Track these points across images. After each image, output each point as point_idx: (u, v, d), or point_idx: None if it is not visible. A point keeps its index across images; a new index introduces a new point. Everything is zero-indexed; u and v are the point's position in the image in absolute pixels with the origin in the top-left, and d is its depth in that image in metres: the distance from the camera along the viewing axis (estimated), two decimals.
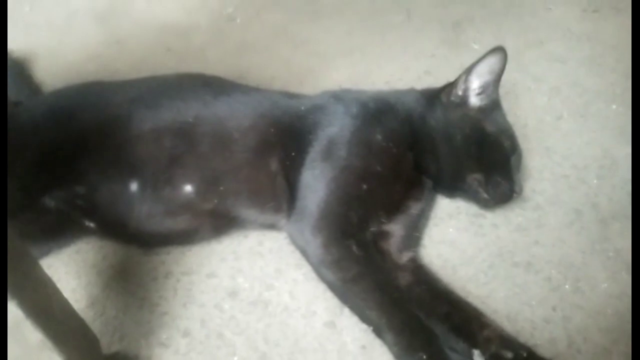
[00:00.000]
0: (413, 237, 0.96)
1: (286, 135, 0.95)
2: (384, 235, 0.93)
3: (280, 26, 1.59)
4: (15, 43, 1.55)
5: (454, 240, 0.98)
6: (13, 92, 1.25)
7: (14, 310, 0.61)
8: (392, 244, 0.93)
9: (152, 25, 1.64)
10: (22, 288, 0.63)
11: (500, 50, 0.93)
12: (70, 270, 0.97)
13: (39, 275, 0.70)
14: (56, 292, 0.73)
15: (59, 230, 0.96)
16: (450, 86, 0.97)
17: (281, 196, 0.93)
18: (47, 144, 0.93)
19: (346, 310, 0.87)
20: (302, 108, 0.99)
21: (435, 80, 1.35)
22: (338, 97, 1.01)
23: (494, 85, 0.96)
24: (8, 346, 0.63)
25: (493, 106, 0.97)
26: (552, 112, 1.25)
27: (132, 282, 0.94)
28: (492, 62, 0.94)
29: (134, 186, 0.90)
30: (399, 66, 1.40)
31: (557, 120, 1.23)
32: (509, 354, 0.78)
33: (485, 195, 0.94)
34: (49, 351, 0.66)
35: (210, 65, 1.46)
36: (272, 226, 0.97)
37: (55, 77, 1.45)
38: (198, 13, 1.68)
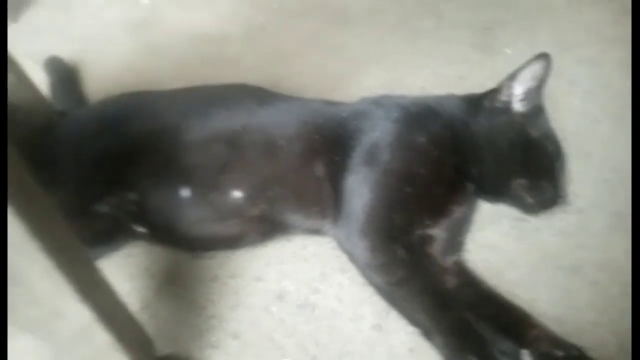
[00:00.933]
0: (457, 241, 0.97)
1: (329, 142, 0.97)
2: (428, 239, 0.94)
3: (311, 34, 1.61)
4: (53, 54, 1.60)
5: (497, 244, 0.99)
6: (61, 101, 1.29)
7: (85, 314, 0.64)
8: (437, 248, 0.94)
9: (186, 35, 1.67)
10: (91, 292, 0.65)
11: (544, 56, 0.94)
12: (123, 274, 0.99)
13: (102, 280, 0.73)
14: (116, 296, 0.76)
15: (111, 235, 0.99)
16: (494, 92, 0.98)
17: (326, 201, 0.95)
18: (100, 152, 0.96)
19: (393, 314, 0.89)
20: (344, 114, 1.01)
21: (470, 85, 1.35)
22: (378, 102, 1.03)
23: (537, 91, 0.97)
24: (79, 348, 0.66)
25: (536, 111, 0.98)
26: (588, 115, 1.25)
27: (182, 286, 0.97)
28: (536, 68, 0.94)
29: (184, 192, 0.93)
30: (432, 71, 1.41)
31: (594, 124, 1.23)
32: (560, 353, 0.79)
33: (530, 200, 0.95)
34: (116, 352, 0.68)
35: (245, 73, 1.49)
36: (317, 231, 0.99)
37: (94, 87, 1.49)
38: (230, 22, 1.71)
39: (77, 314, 0.63)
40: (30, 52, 1.59)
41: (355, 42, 1.56)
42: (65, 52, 1.63)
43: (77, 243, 0.69)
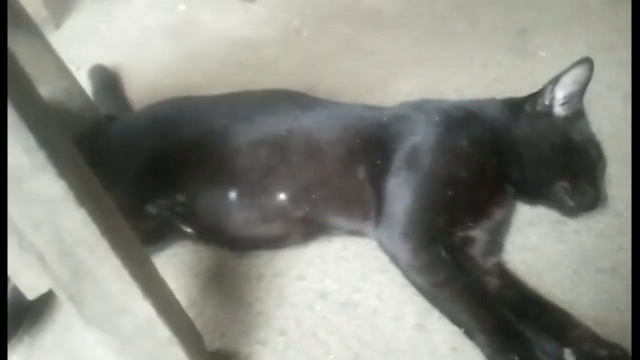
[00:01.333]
0: (497, 243, 0.98)
1: (371, 146, 0.99)
2: (469, 240, 0.96)
3: (346, 38, 1.64)
4: (95, 60, 1.66)
5: (537, 246, 1.00)
6: (106, 106, 1.34)
7: (148, 309, 0.68)
8: (477, 250, 0.96)
9: (223, 40, 1.72)
10: (152, 289, 0.69)
11: (587, 61, 0.95)
12: (168, 272, 1.03)
13: (160, 277, 0.77)
14: (172, 293, 0.80)
15: (159, 235, 1.03)
16: (536, 96, 1.00)
17: (368, 204, 0.98)
18: (149, 156, 1.00)
19: (434, 313, 0.91)
20: (385, 119, 1.03)
21: (505, 88, 1.37)
22: (419, 106, 1.05)
23: (578, 95, 0.99)
24: (141, 341, 0.70)
25: (578, 115, 1.00)
26: (626, 118, 1.25)
27: (227, 284, 1.00)
28: (579, 72, 0.96)
29: (232, 194, 0.97)
30: (467, 75, 1.42)
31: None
32: (604, 352, 0.79)
33: (571, 203, 0.96)
34: (175, 346, 0.72)
35: (282, 77, 1.52)
36: (358, 233, 1.01)
37: (135, 92, 1.55)
38: (265, 27, 1.75)
39: (141, 310, 0.67)
40: (72, 58, 1.66)
41: (389, 45, 1.59)
42: (106, 58, 1.69)
43: (138, 242, 0.73)
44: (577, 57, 0.99)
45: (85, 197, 0.59)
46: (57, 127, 0.64)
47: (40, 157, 0.54)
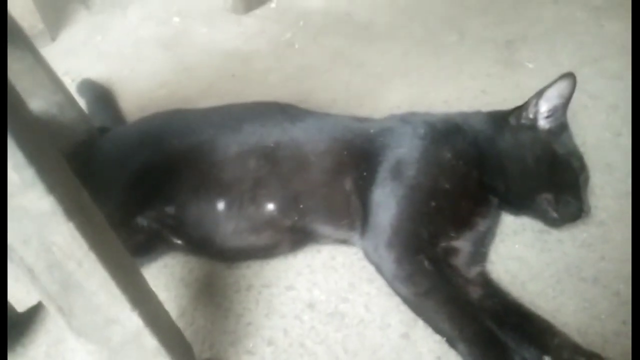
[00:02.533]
0: (481, 253, 1.00)
1: (358, 157, 1.01)
2: (453, 251, 0.98)
3: (337, 50, 1.67)
4: (90, 72, 1.68)
5: (521, 256, 1.02)
6: (98, 118, 1.36)
7: (136, 319, 0.69)
8: (461, 260, 0.98)
9: (216, 52, 1.74)
10: (140, 300, 0.70)
11: (570, 76, 0.97)
12: (159, 283, 1.05)
13: (149, 288, 0.79)
14: (160, 303, 0.82)
15: (149, 246, 1.05)
16: (520, 109, 1.02)
17: (355, 214, 1.00)
18: (139, 168, 1.02)
19: (420, 323, 0.92)
20: (372, 131, 1.05)
21: (492, 99, 1.40)
22: (405, 119, 1.07)
23: (562, 109, 1.01)
24: (130, 352, 0.72)
25: (562, 128, 1.02)
26: (611, 129, 1.27)
27: (217, 294, 1.02)
28: (562, 87, 0.98)
29: (220, 205, 0.98)
30: (456, 86, 1.45)
31: (617, 137, 1.25)
32: None
33: (554, 215, 0.97)
34: (163, 357, 0.73)
35: (273, 89, 1.55)
36: (345, 241, 1.03)
37: (128, 103, 1.57)
38: (257, 39, 1.78)
39: (130, 321, 0.68)
40: (67, 70, 1.68)
41: (380, 57, 1.61)
42: (100, 69, 1.72)
43: (127, 254, 0.75)
44: (563, 69, 1.01)
45: (74, 211, 0.60)
46: (46, 143, 0.66)
47: (29, 173, 0.55)
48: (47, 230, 0.59)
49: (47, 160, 0.61)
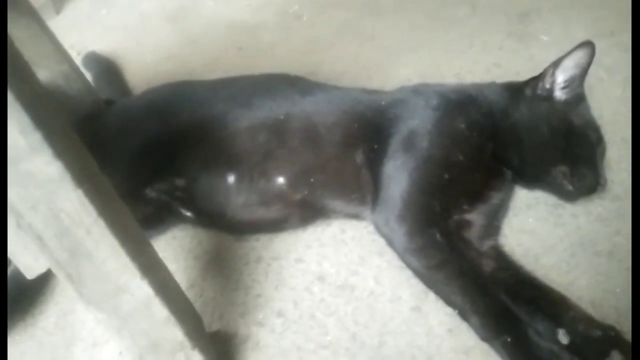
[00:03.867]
0: (494, 226, 0.99)
1: (369, 130, 1.00)
2: (465, 224, 0.96)
3: (346, 22, 1.63)
4: (95, 45, 1.66)
5: (534, 229, 1.00)
6: (104, 91, 1.35)
7: (146, 288, 0.68)
8: (474, 233, 0.96)
9: (222, 25, 1.71)
10: (150, 269, 0.70)
11: (588, 44, 0.94)
12: (168, 255, 1.05)
13: (158, 257, 0.78)
14: (170, 273, 0.81)
15: (158, 218, 1.04)
16: (536, 79, 0.99)
17: (365, 188, 0.98)
18: (149, 140, 1.01)
19: (431, 296, 0.92)
20: (383, 103, 1.03)
21: (505, 72, 1.37)
22: (418, 90, 1.05)
23: (579, 79, 0.98)
24: (140, 321, 0.71)
25: (579, 99, 0.99)
26: (627, 102, 1.24)
27: (226, 267, 1.01)
28: (580, 56, 0.95)
29: (231, 178, 0.97)
30: (468, 59, 1.42)
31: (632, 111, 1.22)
32: (597, 332, 0.80)
33: (570, 187, 0.95)
34: (173, 326, 0.73)
35: (281, 62, 1.52)
36: (356, 216, 1.02)
37: (134, 76, 1.55)
38: (264, 11, 1.75)
39: (139, 289, 0.68)
40: (72, 44, 1.66)
41: (389, 30, 1.58)
42: (106, 42, 1.69)
43: (136, 223, 0.74)
44: (578, 42, 0.98)
45: (82, 177, 0.59)
46: (54, 109, 0.64)
47: (36, 137, 0.54)
48: (55, 196, 0.58)
49: (54, 126, 0.59)
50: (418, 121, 0.98)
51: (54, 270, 0.63)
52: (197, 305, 0.94)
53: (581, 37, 1.37)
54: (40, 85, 0.67)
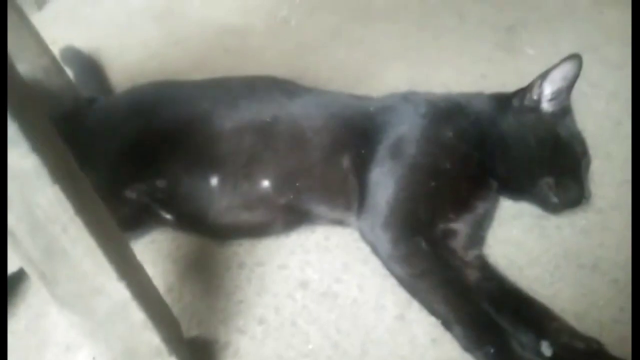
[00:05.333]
0: (479, 236, 0.98)
1: (357, 135, 0.98)
2: (451, 233, 0.96)
3: (334, 28, 1.63)
4: (78, 42, 1.62)
5: (519, 240, 1.00)
6: (85, 87, 1.31)
7: (122, 291, 0.66)
8: (459, 242, 0.95)
9: (209, 26, 1.69)
10: (127, 271, 0.67)
11: (575, 57, 0.95)
12: (146, 258, 1.00)
13: (136, 260, 0.75)
14: (148, 276, 0.78)
15: (137, 220, 1.01)
16: (524, 91, 0.99)
17: (351, 193, 0.97)
18: (130, 139, 0.98)
19: (415, 305, 0.90)
20: (371, 109, 1.02)
21: (492, 83, 1.37)
22: (407, 98, 1.04)
23: (566, 91, 0.98)
24: (115, 324, 0.68)
25: (565, 112, 1.00)
26: (610, 117, 1.26)
27: (207, 272, 0.99)
28: (567, 68, 0.96)
29: (214, 181, 0.95)
30: (455, 69, 1.42)
31: (617, 126, 1.23)
32: (581, 345, 0.80)
33: (555, 199, 0.95)
34: (150, 331, 0.70)
35: (268, 66, 1.50)
36: (341, 222, 1.00)
37: (117, 74, 1.52)
38: (253, 15, 1.73)
39: (116, 291, 0.65)
40: (54, 40, 1.62)
41: (378, 37, 1.58)
42: (89, 40, 1.65)
43: (114, 223, 0.71)
44: (564, 56, 0.98)
45: (60, 173, 0.57)
46: (32, 100, 0.62)
47: (12, 129, 0.52)
48: (30, 191, 0.55)
49: (32, 118, 0.57)
50: (406, 128, 0.97)
51: (27, 269, 0.60)
52: (175, 311, 0.91)
53: (566, 51, 1.37)
54: (19, 75, 0.64)
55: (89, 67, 1.45)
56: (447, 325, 0.85)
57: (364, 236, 0.97)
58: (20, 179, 0.54)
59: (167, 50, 1.61)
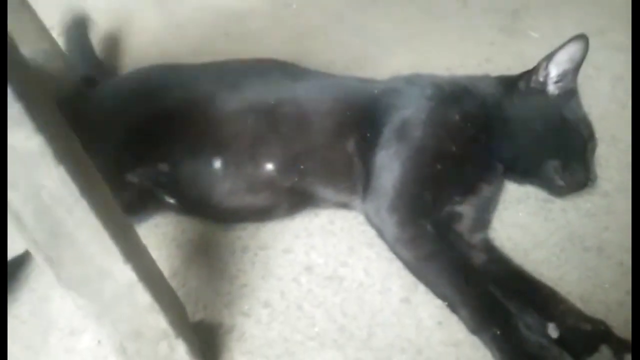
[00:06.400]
0: (484, 219, 0.98)
1: (361, 118, 0.97)
2: (456, 216, 0.95)
3: (337, 12, 1.61)
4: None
5: (524, 224, 1.00)
6: (87, 69, 1.29)
7: (129, 273, 0.65)
8: (464, 225, 0.95)
9: (209, 10, 1.67)
10: (133, 253, 0.67)
11: (582, 38, 0.94)
12: (150, 243, 0.99)
13: (140, 243, 0.75)
14: (153, 260, 0.78)
15: (140, 205, 1.00)
16: (530, 73, 0.98)
17: (356, 177, 0.96)
18: (132, 123, 0.97)
19: (421, 288, 0.90)
20: (376, 92, 1.01)
21: (496, 67, 1.36)
22: (412, 80, 1.03)
23: (572, 73, 0.97)
24: (122, 307, 0.68)
25: (571, 94, 0.99)
26: (616, 100, 1.25)
27: (211, 256, 0.98)
28: (573, 50, 0.95)
29: (217, 164, 0.94)
30: (459, 53, 1.41)
31: (622, 109, 1.23)
32: (587, 327, 0.80)
33: (560, 182, 0.95)
34: (156, 313, 0.70)
35: (269, 50, 1.47)
36: (345, 205, 1.00)
37: (118, 59, 1.50)
38: None
39: (122, 274, 0.64)
40: (53, 25, 1.60)
41: (381, 21, 1.56)
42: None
43: (119, 208, 0.71)
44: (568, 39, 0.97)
45: (65, 154, 0.56)
46: (36, 80, 0.61)
47: (16, 109, 0.51)
48: (35, 172, 0.54)
49: (36, 98, 0.56)
50: (412, 111, 0.96)
51: (33, 251, 0.59)
52: (180, 295, 0.90)
53: (571, 34, 1.36)
54: (22, 56, 0.63)
55: (86, 42, 1.41)
56: (453, 308, 0.85)
57: (369, 219, 0.96)
58: (25, 160, 0.53)
59: (168, 35, 1.59)
